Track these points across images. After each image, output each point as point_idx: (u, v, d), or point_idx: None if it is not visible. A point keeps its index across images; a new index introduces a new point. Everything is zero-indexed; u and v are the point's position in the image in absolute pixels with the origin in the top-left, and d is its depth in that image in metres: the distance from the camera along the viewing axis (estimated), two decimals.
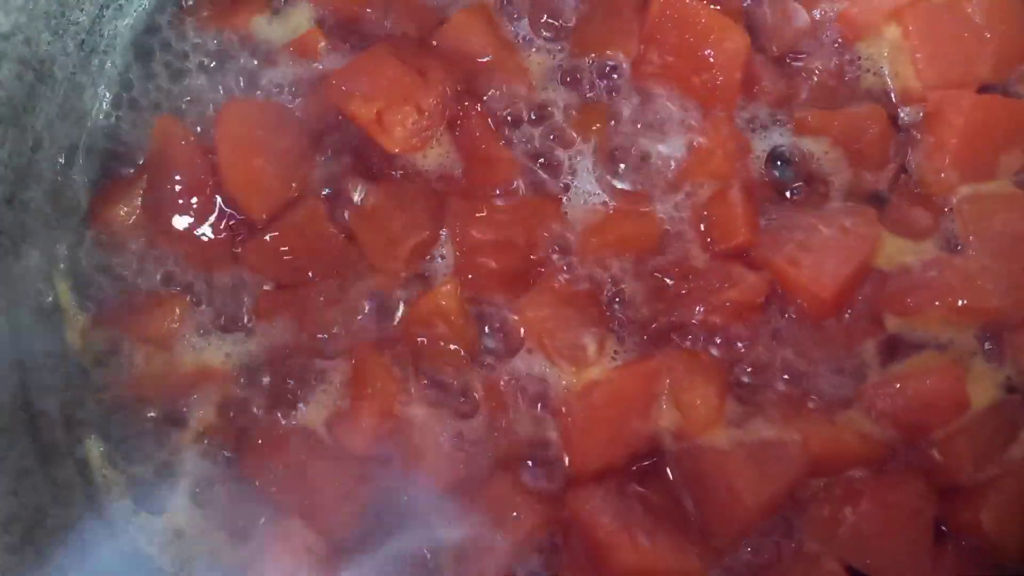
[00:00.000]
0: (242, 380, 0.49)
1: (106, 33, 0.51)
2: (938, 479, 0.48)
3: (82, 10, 0.49)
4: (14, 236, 0.46)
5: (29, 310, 0.46)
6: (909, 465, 0.48)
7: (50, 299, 0.48)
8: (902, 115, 0.54)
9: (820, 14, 0.54)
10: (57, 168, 0.49)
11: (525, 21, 0.54)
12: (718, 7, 0.54)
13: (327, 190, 0.52)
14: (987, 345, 0.50)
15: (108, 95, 0.52)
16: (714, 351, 0.49)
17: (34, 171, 0.47)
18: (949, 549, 0.47)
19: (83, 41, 0.50)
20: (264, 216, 0.51)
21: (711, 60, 0.52)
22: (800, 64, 0.54)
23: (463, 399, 0.49)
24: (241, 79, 0.53)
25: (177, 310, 0.50)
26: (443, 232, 0.52)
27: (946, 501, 0.48)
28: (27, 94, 0.46)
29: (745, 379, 0.49)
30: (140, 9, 0.53)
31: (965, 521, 0.47)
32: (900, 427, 0.48)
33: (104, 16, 0.51)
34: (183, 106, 0.53)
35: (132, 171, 0.52)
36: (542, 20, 0.54)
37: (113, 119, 0.52)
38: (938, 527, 0.47)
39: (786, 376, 0.49)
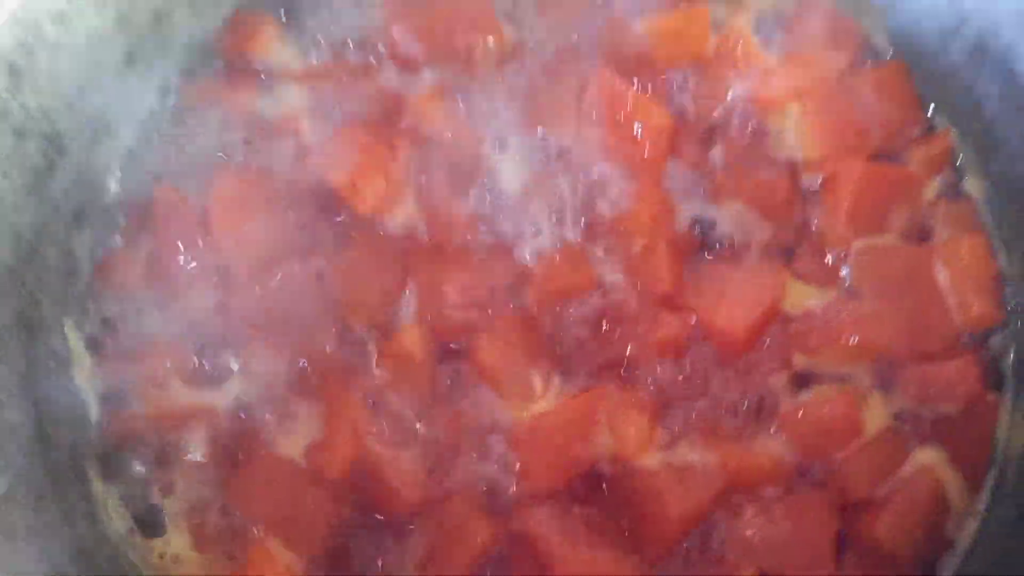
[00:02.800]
0: (228, 416, 0.56)
1: (117, 111, 0.58)
2: (839, 496, 0.55)
3: (97, 93, 0.56)
4: (32, 289, 0.52)
5: (45, 353, 0.53)
6: (815, 483, 0.55)
7: (62, 344, 0.54)
8: (805, 180, 0.62)
9: (733, 95, 0.63)
10: (70, 230, 0.56)
11: (478, 102, 0.62)
12: (647, 90, 0.63)
13: (307, 246, 0.59)
14: (880, 378, 0.58)
15: (116, 166, 0.59)
16: (645, 385, 0.56)
17: (51, 232, 0.54)
18: (851, 557, 0.54)
19: (97, 118, 0.57)
20: (250, 273, 0.58)
21: (640, 135, 0.61)
22: (718, 137, 0.63)
23: (425, 431, 0.56)
24: (234, 150, 0.61)
25: (171, 356, 0.56)
26: (408, 283, 0.59)
27: (847, 515, 0.54)
28: (47, 166, 0.53)
29: (672, 409, 0.56)
30: (146, 93, 0.60)
31: (864, 532, 0.54)
32: (806, 450, 0.55)
33: (116, 99, 0.58)
34: (182, 175, 0.60)
35: (136, 233, 0.59)
36: (492, 102, 0.62)
37: (120, 187, 0.59)
38: (841, 538, 0.54)
39: (705, 406, 0.56)
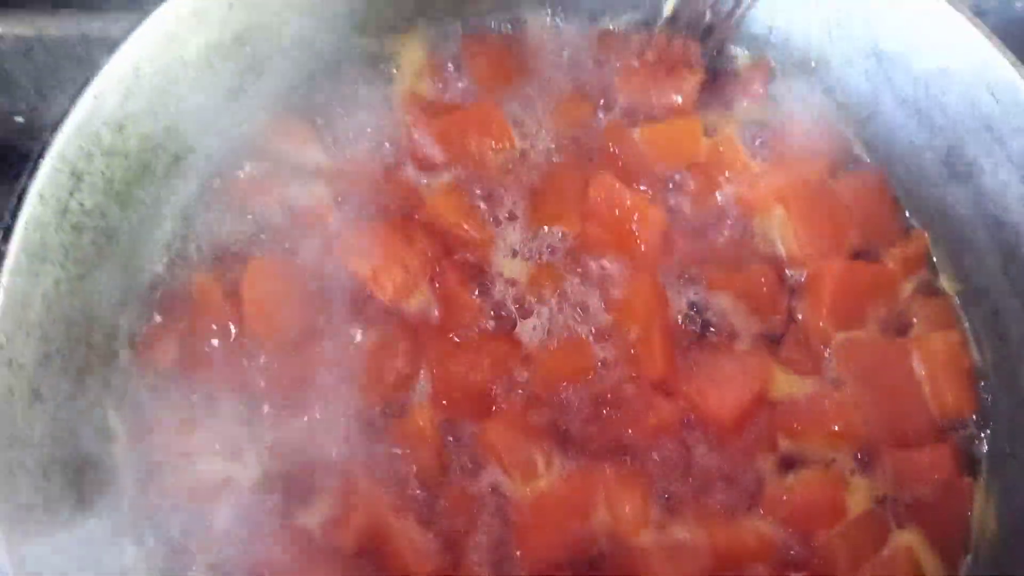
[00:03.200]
0: (251, 489, 0.60)
1: (160, 205, 0.65)
2: (820, 569, 0.58)
3: (144, 190, 0.62)
4: (80, 368, 0.57)
5: (88, 427, 0.57)
6: (800, 562, 0.59)
7: (102, 420, 0.59)
8: (789, 275, 0.67)
9: (723, 196, 0.69)
10: (114, 314, 0.61)
11: (490, 201, 0.68)
12: (644, 189, 0.69)
13: (329, 329, 0.64)
14: (861, 464, 0.62)
15: (157, 254, 0.65)
16: (640, 465, 0.60)
17: (97, 316, 0.59)
18: None
19: (144, 213, 0.63)
20: (276, 354, 0.63)
21: (636, 232, 0.66)
22: (708, 234, 0.69)
23: (435, 507, 0.60)
24: (266, 240, 0.67)
25: (202, 432, 0.61)
26: (421, 366, 0.64)
27: None
28: (98, 256, 0.59)
29: (665, 489, 0.60)
30: (188, 189, 0.67)
31: None
32: (792, 529, 0.59)
33: (161, 195, 0.64)
34: (217, 262, 0.66)
35: (172, 315, 0.64)
36: (503, 201, 0.68)
37: (161, 272, 0.65)
38: None
39: (697, 486, 0.60)
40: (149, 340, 0.63)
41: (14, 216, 0.51)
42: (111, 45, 0.86)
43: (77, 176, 0.56)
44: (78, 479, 0.55)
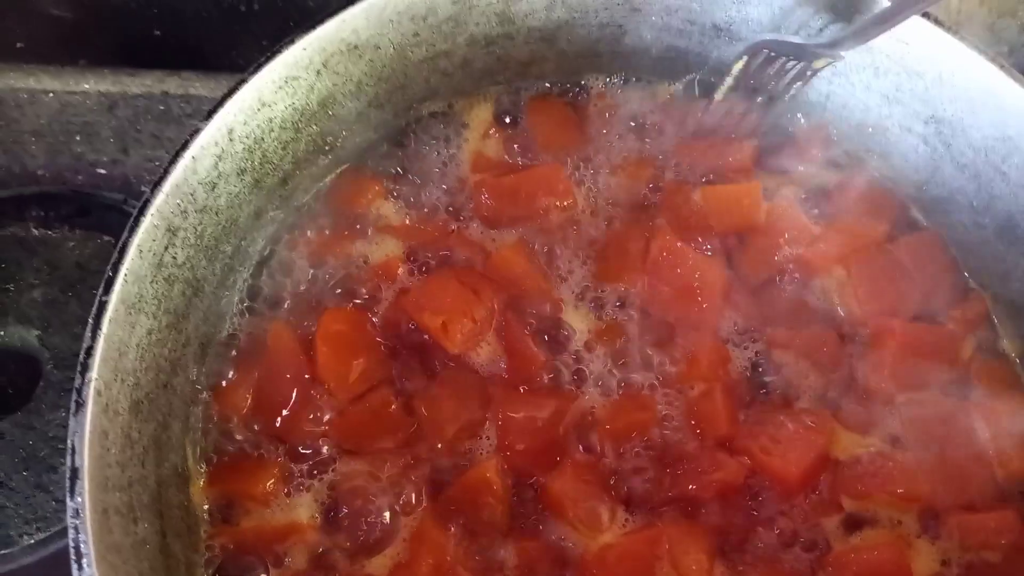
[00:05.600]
0: (323, 532, 0.61)
1: (242, 257, 0.68)
2: None
3: (229, 243, 0.65)
4: (165, 413, 0.59)
5: (170, 472, 0.59)
6: None
7: (183, 463, 0.61)
8: (850, 335, 0.68)
9: (782, 257, 0.71)
10: (197, 361, 0.64)
11: (553, 257, 0.71)
12: (707, 248, 0.71)
13: (399, 378, 0.66)
14: (926, 526, 0.62)
15: (237, 303, 0.68)
16: (705, 522, 0.61)
17: (182, 363, 0.62)
18: None
19: (227, 264, 0.66)
20: (347, 401, 0.65)
21: (697, 289, 0.68)
22: (769, 293, 0.70)
23: (501, 558, 0.60)
24: (337, 292, 0.69)
25: (274, 475, 0.63)
26: (488, 417, 0.65)
27: None
28: (185, 306, 0.62)
29: (729, 546, 0.60)
30: (267, 242, 0.70)
31: None
32: None
33: (242, 247, 0.67)
34: (292, 311, 0.69)
35: (249, 362, 0.67)
36: (566, 257, 0.70)
37: (239, 321, 0.68)
38: None
39: (762, 544, 0.60)
40: (226, 387, 0.66)
41: (115, 269, 0.54)
42: (186, 101, 0.92)
43: (172, 231, 0.59)
44: (160, 522, 0.56)
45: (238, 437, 0.64)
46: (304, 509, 0.62)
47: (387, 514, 0.62)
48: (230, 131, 0.61)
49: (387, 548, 0.61)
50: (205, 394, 0.65)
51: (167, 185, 0.58)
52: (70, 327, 0.80)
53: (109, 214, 0.87)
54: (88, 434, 0.50)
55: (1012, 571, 0.60)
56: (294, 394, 0.65)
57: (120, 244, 0.55)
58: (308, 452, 0.64)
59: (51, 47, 1.00)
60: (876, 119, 0.72)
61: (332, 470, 0.64)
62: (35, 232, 0.85)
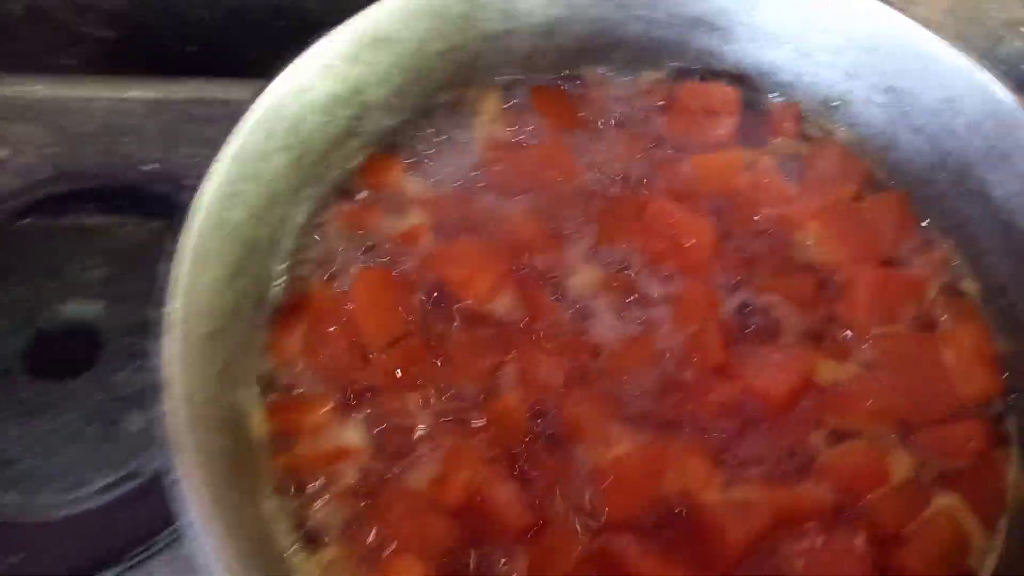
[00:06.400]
0: (368, 456, 0.69)
1: (286, 225, 0.77)
2: (872, 532, 0.65)
3: (273, 211, 0.74)
4: (229, 351, 0.66)
5: (233, 403, 0.67)
6: (852, 520, 0.66)
7: (244, 397, 0.69)
8: (827, 281, 0.77)
9: (763, 216, 0.80)
10: (252, 313, 0.72)
11: (560, 222, 0.79)
12: (694, 211, 0.79)
13: (426, 327, 0.75)
14: (901, 438, 0.69)
15: (283, 265, 0.77)
16: (703, 438, 0.69)
17: (240, 311, 0.69)
18: None
19: (274, 229, 0.74)
20: (381, 347, 0.73)
21: (689, 243, 0.77)
22: (753, 247, 0.79)
23: (526, 472, 0.68)
24: (369, 256, 0.78)
25: (323, 409, 0.71)
26: (507, 359, 0.73)
27: (881, 549, 0.64)
28: (241, 262, 0.69)
29: (726, 457, 0.68)
30: (307, 211, 0.79)
31: (895, 564, 0.64)
32: (841, 493, 0.66)
33: (286, 215, 0.76)
34: (329, 274, 0.77)
35: (296, 316, 0.75)
36: (571, 222, 0.79)
37: (285, 281, 0.76)
38: (879, 570, 0.64)
39: (754, 455, 0.68)
40: (277, 335, 0.74)
41: (187, 222, 0.63)
42: (226, 106, 1.02)
43: (231, 195, 0.68)
44: (229, 441, 0.64)
45: (290, 378, 0.72)
46: (350, 436, 0.70)
47: (424, 439, 0.70)
48: (277, 110, 0.71)
49: (425, 466, 0.68)
50: (260, 341, 0.73)
51: (227, 154, 0.67)
52: (128, 300, 0.88)
53: (158, 204, 0.96)
54: (170, 354, 0.58)
55: (980, 476, 0.67)
56: (336, 342, 0.74)
57: (192, 202, 0.64)
58: (351, 390, 0.72)
59: (98, 64, 1.11)
60: (840, 94, 0.82)
61: (373, 405, 0.71)
62: (93, 221, 0.94)
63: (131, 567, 0.77)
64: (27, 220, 0.95)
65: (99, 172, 0.99)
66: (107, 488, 0.80)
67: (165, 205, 0.96)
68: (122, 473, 0.80)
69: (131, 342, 0.86)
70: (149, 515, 0.79)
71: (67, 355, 0.87)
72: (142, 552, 0.77)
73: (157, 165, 0.99)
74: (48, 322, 0.89)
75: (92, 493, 0.80)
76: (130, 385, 0.84)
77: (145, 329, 0.83)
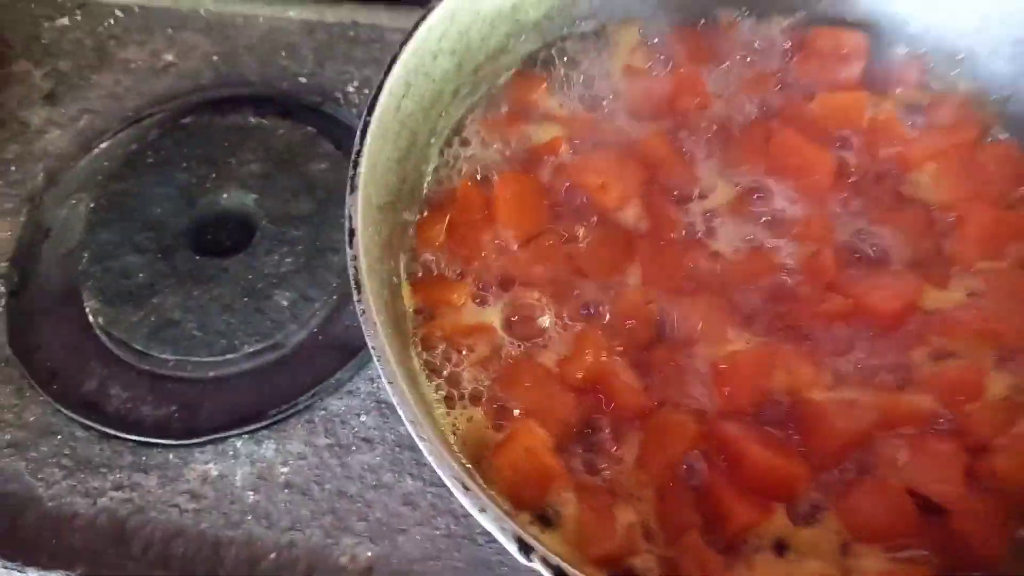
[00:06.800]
0: (501, 333, 0.77)
1: (443, 124, 0.84)
2: (966, 439, 0.70)
3: (435, 109, 0.82)
4: (391, 225, 0.75)
5: (392, 270, 0.76)
6: (948, 427, 0.71)
7: (395, 279, 0.77)
8: (939, 218, 0.82)
9: (882, 154, 0.85)
10: (406, 203, 0.80)
11: (690, 144, 0.86)
12: (817, 144, 0.85)
13: (562, 227, 0.82)
14: (1001, 360, 0.74)
15: (435, 161, 0.85)
16: (814, 343, 0.74)
17: (402, 194, 0.78)
18: (976, 486, 0.69)
19: (433, 127, 0.83)
20: (522, 240, 0.81)
21: (810, 172, 0.82)
22: (870, 181, 0.84)
23: (647, 360, 0.75)
24: (511, 162, 0.86)
25: (465, 291, 0.78)
26: (634, 260, 0.80)
27: (973, 454, 0.70)
28: (407, 148, 0.77)
29: (834, 361, 0.74)
30: (460, 116, 0.87)
31: (985, 469, 0.68)
32: (940, 402, 0.71)
33: (444, 114, 0.84)
34: (477, 174, 0.85)
35: (442, 210, 0.83)
36: (700, 145, 0.85)
37: (436, 175, 0.84)
38: (969, 471, 0.69)
39: (860, 364, 0.74)
40: (425, 222, 0.82)
41: (373, 101, 0.71)
42: (373, 29, 1.11)
43: (408, 84, 0.76)
44: (391, 297, 0.73)
45: (435, 262, 0.81)
46: (488, 316, 0.78)
47: (554, 325, 0.77)
48: (453, 14, 0.79)
49: (554, 347, 0.76)
50: (411, 227, 0.82)
51: (409, 47, 0.75)
52: (280, 193, 0.98)
53: (308, 112, 1.05)
54: (358, 208, 0.67)
55: None
56: (478, 234, 0.81)
57: (378, 83, 0.72)
58: (489, 279, 0.80)
59: None
60: (967, 46, 0.86)
61: (509, 293, 0.79)
62: (252, 120, 1.03)
63: (269, 425, 0.86)
64: (190, 118, 1.05)
65: (257, 80, 1.09)
66: (253, 355, 0.90)
67: (314, 114, 1.06)
68: (268, 343, 0.90)
69: (280, 231, 0.95)
70: (289, 381, 0.89)
71: (224, 237, 0.98)
72: (281, 413, 0.87)
73: (308, 79, 1.09)
74: (208, 207, 0.99)
75: (240, 358, 0.90)
76: (278, 267, 0.94)
77: (292, 220, 0.94)
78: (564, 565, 0.53)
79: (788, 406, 0.72)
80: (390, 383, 0.60)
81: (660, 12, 0.94)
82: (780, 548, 0.68)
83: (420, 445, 0.58)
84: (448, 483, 0.57)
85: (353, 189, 0.67)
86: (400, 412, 0.60)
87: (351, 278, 0.64)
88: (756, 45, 0.92)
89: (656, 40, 0.93)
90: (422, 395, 0.71)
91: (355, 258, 0.64)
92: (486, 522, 0.56)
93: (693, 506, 0.69)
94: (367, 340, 0.62)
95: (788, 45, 0.91)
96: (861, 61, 0.89)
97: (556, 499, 0.70)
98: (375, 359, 0.61)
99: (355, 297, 0.63)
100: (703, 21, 0.94)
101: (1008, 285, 0.77)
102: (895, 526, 0.67)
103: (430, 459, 0.58)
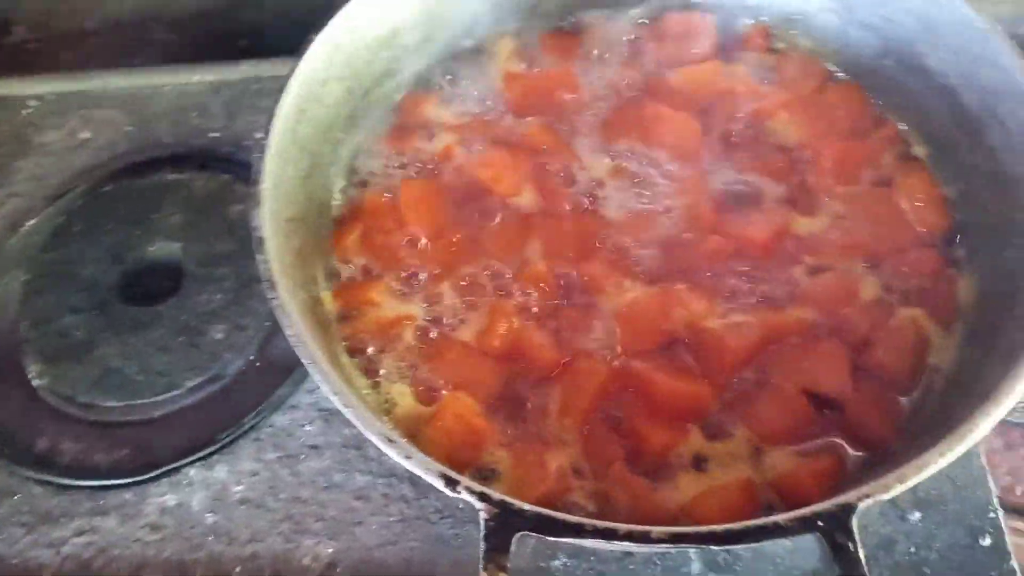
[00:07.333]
0: (423, 319, 0.83)
1: (343, 146, 0.91)
2: (847, 338, 0.77)
3: (332, 133, 0.90)
4: (303, 238, 0.81)
5: (309, 277, 0.82)
6: (826, 332, 0.78)
7: (315, 289, 0.83)
8: (798, 157, 0.90)
9: (741, 112, 0.94)
10: (318, 215, 0.87)
11: (570, 130, 0.94)
12: (682, 112, 0.94)
13: (464, 220, 0.89)
14: (870, 267, 0.82)
15: (341, 179, 0.91)
16: (703, 280, 0.81)
17: (310, 212, 0.85)
18: (862, 379, 0.76)
19: (334, 148, 0.89)
20: (431, 236, 0.88)
21: (680, 137, 0.91)
22: (734, 135, 0.93)
23: (555, 321, 0.81)
24: (413, 169, 0.93)
25: (384, 289, 0.84)
26: (534, 237, 0.87)
27: (855, 349, 0.77)
28: (309, 170, 0.84)
29: (724, 293, 0.81)
30: (360, 136, 0.94)
31: (868, 361, 0.76)
32: (820, 311, 0.79)
33: (341, 139, 0.91)
34: (381, 185, 0.92)
35: (354, 220, 0.89)
36: (580, 130, 0.94)
37: (343, 192, 0.91)
38: (855, 367, 0.76)
39: (748, 290, 0.81)
40: (341, 235, 0.88)
41: (269, 124, 0.78)
42: (276, 80, 1.19)
43: (302, 110, 0.83)
44: (309, 298, 0.78)
45: (353, 268, 0.87)
46: (407, 308, 0.83)
47: (469, 305, 0.83)
48: (335, 44, 0.86)
49: (471, 324, 0.82)
50: (326, 243, 0.88)
51: (297, 77, 0.82)
52: (204, 238, 1.03)
53: (224, 162, 1.11)
54: (265, 219, 0.73)
55: (935, 290, 0.80)
56: (390, 238, 0.88)
57: (272, 112, 0.79)
58: (406, 275, 0.86)
59: (165, 62, 1.28)
60: (798, 7, 0.97)
61: (425, 284, 0.85)
62: (170, 177, 1.09)
63: (219, 449, 0.90)
64: (111, 185, 1.11)
65: (171, 142, 1.15)
66: (196, 389, 0.94)
67: (229, 163, 1.12)
68: (208, 375, 0.94)
69: (207, 271, 1.01)
70: (234, 407, 0.93)
71: (155, 286, 1.02)
72: (229, 435, 0.91)
73: (221, 133, 1.15)
74: (137, 261, 1.04)
75: (183, 394, 0.94)
76: (208, 304, 0.98)
77: (217, 260, 1.00)
78: (487, 490, 0.58)
79: (687, 338, 0.79)
80: (310, 364, 0.65)
81: (529, 22, 1.03)
82: (699, 463, 0.74)
83: (345, 412, 0.63)
84: (374, 440, 0.62)
85: (258, 203, 0.73)
86: (324, 388, 0.65)
87: (263, 279, 0.69)
88: (617, 37, 1.02)
89: (529, 46, 1.03)
90: (352, 384, 0.77)
91: (266, 261, 0.70)
92: (413, 467, 0.61)
93: (615, 440, 0.75)
94: (284, 331, 0.67)
95: (645, 33, 1.01)
96: (711, 37, 0.99)
97: (491, 458, 0.75)
98: (294, 347, 0.66)
99: (269, 296, 0.69)
100: (568, 24, 1.04)
101: (866, 204, 0.86)
102: (797, 425, 0.74)
103: (356, 422, 0.63)
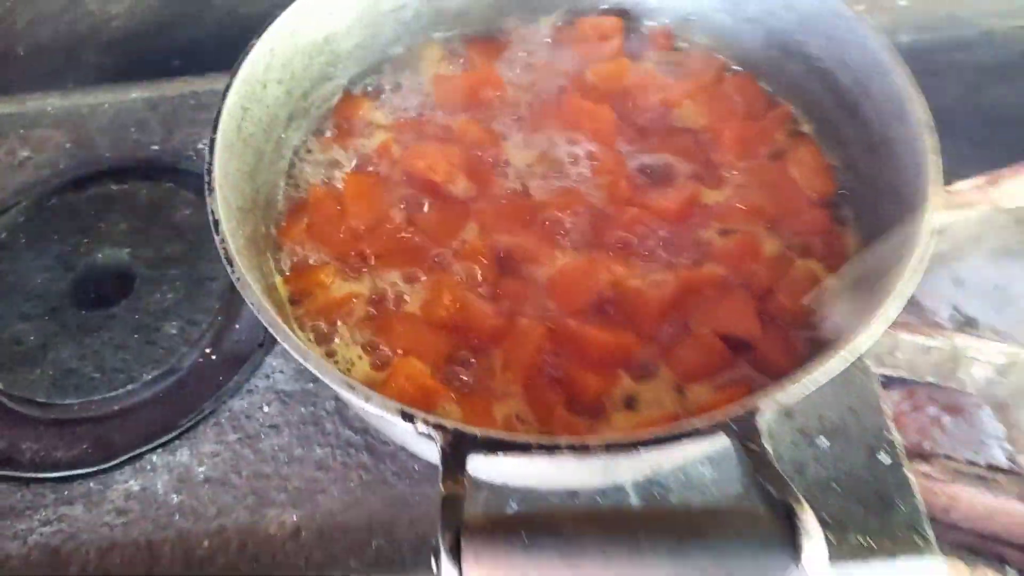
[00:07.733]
0: (370, 296, 0.89)
1: (285, 144, 0.98)
2: (754, 289, 0.87)
3: (276, 131, 0.96)
4: (252, 227, 0.87)
5: (263, 268, 0.87)
6: (737, 283, 0.88)
7: (266, 275, 0.88)
8: (702, 139, 1.02)
9: (650, 101, 1.05)
10: (265, 208, 0.93)
11: (497, 123, 1.03)
12: (598, 103, 1.04)
13: (404, 206, 0.96)
14: (770, 229, 0.93)
15: (284, 175, 0.98)
16: (623, 246, 0.91)
17: (257, 204, 0.91)
18: (768, 321, 0.86)
19: (277, 145, 0.96)
20: (371, 226, 0.94)
21: (596, 125, 1.01)
22: (645, 122, 1.03)
23: (495, 290, 0.89)
24: (354, 163, 1.00)
25: (332, 272, 0.91)
26: (470, 219, 0.95)
27: (761, 300, 0.87)
28: (254, 165, 0.91)
29: (642, 255, 0.90)
30: (300, 136, 1.01)
31: (772, 306, 0.86)
32: (729, 267, 0.88)
33: (283, 137, 0.97)
34: (325, 182, 0.98)
35: (299, 212, 0.96)
36: (506, 123, 1.03)
37: (286, 187, 0.97)
38: (761, 312, 0.86)
39: (665, 253, 0.90)
40: (285, 227, 0.94)
41: (217, 121, 0.84)
42: (213, 95, 1.24)
43: (244, 108, 0.88)
44: (264, 280, 0.84)
45: (300, 255, 0.93)
46: (355, 287, 0.90)
47: (413, 282, 0.90)
48: (271, 49, 0.93)
49: (416, 297, 0.89)
50: (274, 233, 0.93)
51: (239, 78, 0.89)
52: (152, 242, 1.08)
53: (166, 172, 1.16)
54: (218, 204, 0.78)
55: (827, 244, 0.91)
56: (334, 228, 0.94)
57: (219, 107, 0.85)
58: (352, 259, 0.92)
59: (100, 83, 1.32)
60: (693, 9, 1.08)
61: (371, 265, 0.92)
62: (113, 188, 1.13)
63: (180, 435, 0.94)
64: (55, 199, 1.14)
65: (112, 156, 1.20)
66: (153, 382, 0.98)
67: (171, 172, 1.17)
68: (165, 368, 0.98)
69: (158, 273, 1.05)
70: (192, 396, 0.97)
71: (107, 291, 1.06)
72: (189, 421, 0.95)
73: (161, 146, 1.20)
74: (87, 269, 1.07)
75: (141, 387, 0.97)
76: (161, 303, 1.03)
77: (167, 262, 1.04)
78: (443, 420, 0.65)
79: (613, 297, 0.88)
80: (271, 325, 0.71)
81: (455, 29, 1.12)
82: (630, 403, 0.82)
83: (307, 365, 0.69)
84: (336, 387, 0.68)
85: (211, 190, 0.79)
86: (286, 345, 0.70)
87: (222, 258, 0.75)
88: (536, 40, 1.11)
89: (456, 51, 1.11)
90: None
91: (223, 241, 0.76)
92: (373, 407, 0.67)
93: (555, 389, 0.82)
94: (247, 301, 0.72)
95: (561, 36, 1.11)
96: (618, 38, 1.09)
97: (442, 412, 0.81)
98: (256, 313, 0.72)
99: (229, 270, 0.74)
100: (491, 29, 1.13)
101: (763, 175, 0.97)
102: (714, 363, 0.83)
103: (317, 372, 0.68)
